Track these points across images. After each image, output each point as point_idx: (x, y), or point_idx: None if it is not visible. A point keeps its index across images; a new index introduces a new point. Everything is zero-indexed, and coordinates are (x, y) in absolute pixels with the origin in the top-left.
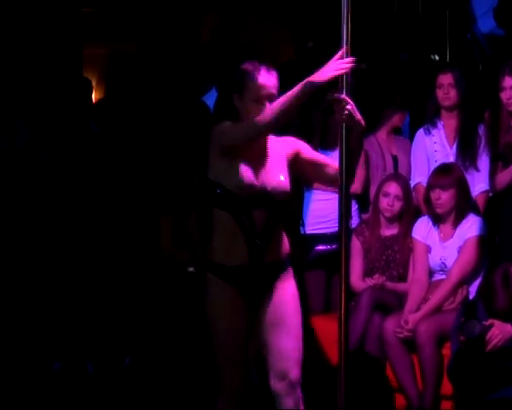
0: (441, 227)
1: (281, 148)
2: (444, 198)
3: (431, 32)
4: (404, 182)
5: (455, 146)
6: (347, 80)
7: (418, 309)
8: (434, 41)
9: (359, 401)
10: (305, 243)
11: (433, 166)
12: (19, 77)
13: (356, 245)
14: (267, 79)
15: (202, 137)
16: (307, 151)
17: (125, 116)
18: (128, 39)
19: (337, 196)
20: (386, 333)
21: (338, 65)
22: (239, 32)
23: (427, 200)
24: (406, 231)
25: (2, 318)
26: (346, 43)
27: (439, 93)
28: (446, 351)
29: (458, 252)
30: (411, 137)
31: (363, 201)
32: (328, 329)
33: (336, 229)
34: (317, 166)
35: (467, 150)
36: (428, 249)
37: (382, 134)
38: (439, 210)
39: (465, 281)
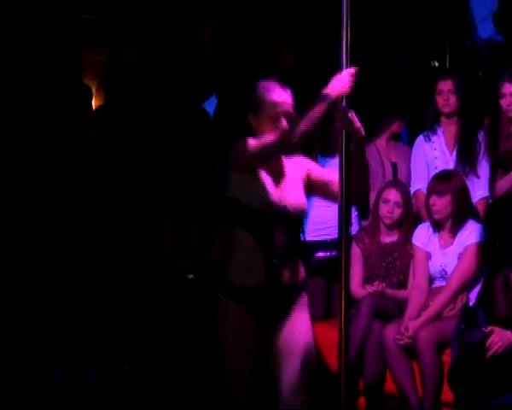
0: (441, 234)
1: (295, 168)
2: (439, 204)
3: (431, 38)
4: (403, 189)
5: (455, 152)
6: None
7: (418, 316)
8: (434, 47)
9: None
10: (304, 250)
11: (433, 172)
12: (18, 83)
13: (356, 252)
14: (282, 96)
15: (202, 143)
16: (316, 170)
17: (125, 123)
18: (128, 46)
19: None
20: (386, 340)
21: (345, 81)
22: (239, 39)
23: (428, 206)
24: (406, 238)
25: (2, 324)
26: (346, 51)
27: (439, 99)
28: (446, 358)
29: (458, 259)
30: (409, 143)
31: (363, 207)
32: (328, 336)
33: (336, 236)
34: (325, 185)
35: (467, 157)
36: (428, 256)
37: (382, 141)
38: (435, 216)
39: (465, 288)
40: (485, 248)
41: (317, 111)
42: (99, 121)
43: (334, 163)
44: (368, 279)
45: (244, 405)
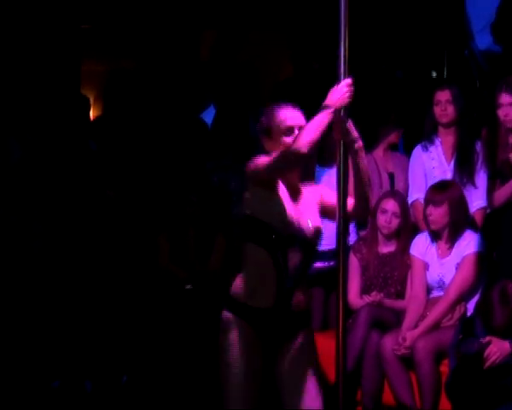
0: (439, 244)
1: (311, 193)
2: (435, 214)
3: (429, 48)
4: (401, 199)
5: (452, 162)
6: None
7: (416, 326)
8: (432, 57)
9: None
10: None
11: (431, 182)
12: (16, 93)
13: (354, 262)
14: (292, 112)
15: (200, 153)
16: (327, 195)
17: (124, 133)
18: (126, 56)
19: None
20: (384, 350)
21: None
22: (238, 50)
23: (425, 216)
24: (404, 248)
25: (1, 336)
26: (344, 62)
27: (437, 110)
28: (444, 368)
29: (456, 269)
30: (406, 153)
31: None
32: (325, 346)
33: (334, 246)
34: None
35: (464, 167)
36: (426, 266)
37: (379, 152)
38: (432, 226)
39: (463, 298)
40: (482, 259)
41: (322, 120)
42: (97, 131)
43: (332, 173)
44: (366, 289)
45: None
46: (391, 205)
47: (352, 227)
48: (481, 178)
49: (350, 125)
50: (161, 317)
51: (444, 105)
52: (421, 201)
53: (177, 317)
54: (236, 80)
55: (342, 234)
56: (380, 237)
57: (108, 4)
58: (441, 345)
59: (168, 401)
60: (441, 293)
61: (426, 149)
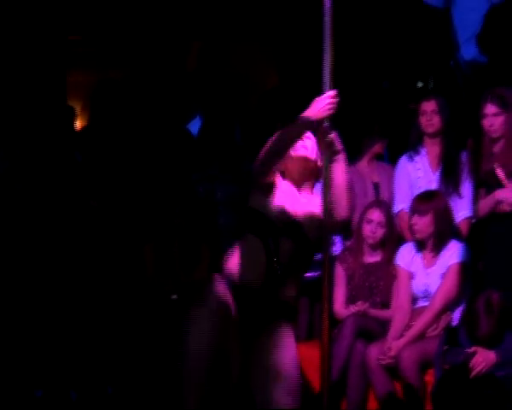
0: (424, 254)
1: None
2: (420, 224)
3: (414, 59)
4: (386, 209)
5: (438, 173)
6: None
7: (401, 336)
8: (418, 68)
9: None
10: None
11: (416, 192)
12: (1, 103)
13: (339, 272)
14: None
15: (186, 164)
16: None
17: (110, 144)
18: (113, 67)
19: None
20: (369, 360)
21: (327, 103)
22: (224, 60)
23: (410, 226)
24: (389, 258)
25: None
26: (329, 72)
27: (423, 120)
28: (429, 378)
29: (441, 279)
30: (390, 163)
31: (346, 228)
32: (311, 356)
33: (319, 256)
34: None
35: (450, 177)
36: (412, 276)
37: (364, 162)
38: (417, 235)
39: (448, 308)
40: (467, 268)
41: (292, 133)
42: (83, 142)
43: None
44: (351, 299)
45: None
46: (376, 215)
47: (337, 237)
48: (467, 188)
49: (335, 136)
50: (147, 327)
51: (429, 115)
52: (407, 211)
53: (163, 327)
54: (223, 91)
55: (327, 244)
56: (365, 246)
57: (95, 15)
58: (426, 355)
59: None
60: (426, 303)
61: (411, 159)
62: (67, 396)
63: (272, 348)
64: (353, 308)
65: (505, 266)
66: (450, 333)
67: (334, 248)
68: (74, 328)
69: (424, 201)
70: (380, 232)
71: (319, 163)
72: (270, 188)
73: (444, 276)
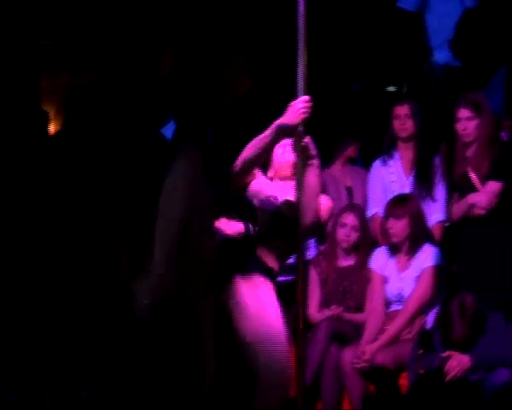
0: (398, 258)
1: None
2: (397, 227)
3: (387, 63)
4: (360, 213)
5: (411, 177)
6: None
7: (375, 340)
8: (391, 72)
9: None
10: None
11: (390, 196)
12: None
13: (313, 276)
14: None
15: (160, 168)
16: None
17: (84, 148)
18: (87, 71)
19: None
20: (343, 364)
21: (301, 108)
22: (197, 65)
23: (384, 230)
24: (363, 262)
25: None
26: (302, 77)
27: (396, 124)
28: (403, 381)
29: (415, 282)
30: (363, 166)
31: (320, 232)
32: None
33: (293, 260)
34: None
35: (423, 181)
36: (385, 280)
37: (337, 166)
38: (393, 239)
39: (422, 311)
40: (441, 272)
41: (268, 140)
42: (57, 146)
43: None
44: (325, 303)
45: None
46: (350, 219)
47: (311, 241)
48: (440, 192)
49: (309, 141)
50: (121, 331)
51: (403, 119)
52: (380, 215)
53: (137, 331)
54: (196, 95)
55: (300, 248)
56: (339, 250)
57: (68, 20)
58: (400, 358)
59: None
60: (400, 307)
61: (385, 163)
62: (42, 401)
63: (253, 287)
64: (327, 312)
65: (478, 269)
66: (424, 337)
67: (308, 253)
68: (47, 332)
69: (399, 205)
70: (354, 236)
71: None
72: (245, 187)
73: (418, 279)
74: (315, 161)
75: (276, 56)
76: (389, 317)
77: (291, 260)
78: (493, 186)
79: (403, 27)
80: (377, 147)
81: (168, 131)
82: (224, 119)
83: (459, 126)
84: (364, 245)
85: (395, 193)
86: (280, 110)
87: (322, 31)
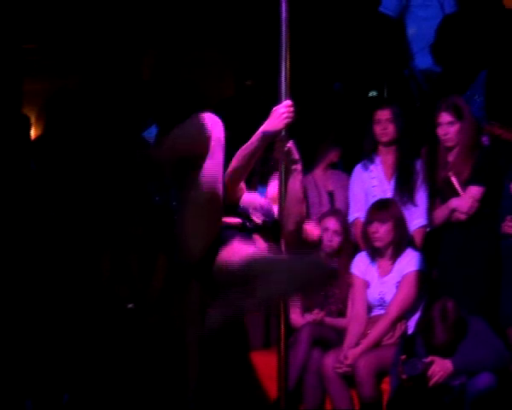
0: (379, 262)
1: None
2: (382, 231)
3: (368, 67)
4: (342, 217)
5: (393, 181)
6: None
7: (357, 344)
8: (372, 77)
9: None
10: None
11: (371, 201)
12: None
13: None
14: None
15: (142, 172)
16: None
17: (65, 152)
18: (68, 76)
19: None
20: (325, 368)
21: (284, 113)
22: (179, 69)
23: (365, 235)
24: (345, 267)
25: None
26: (285, 82)
27: (377, 128)
28: (386, 386)
29: (397, 287)
30: (344, 171)
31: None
32: (267, 364)
33: None
34: None
35: (404, 186)
36: (367, 285)
37: (319, 171)
38: (377, 243)
39: (404, 316)
40: (423, 276)
41: (254, 148)
42: (38, 151)
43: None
44: (307, 308)
45: None
46: (332, 223)
47: None
48: (421, 197)
49: (291, 145)
50: (103, 335)
51: (384, 124)
52: (362, 219)
53: (119, 336)
54: (178, 99)
55: (283, 253)
56: (321, 255)
57: (50, 24)
58: (382, 363)
59: None
60: (382, 311)
61: (366, 167)
62: (23, 406)
63: None
64: (309, 317)
65: (459, 274)
66: (406, 342)
67: None
68: (29, 336)
69: (383, 209)
70: (336, 241)
71: None
72: (237, 202)
73: (399, 284)
74: (298, 166)
75: (259, 61)
76: (371, 321)
77: None
78: (474, 191)
79: (384, 32)
80: (358, 151)
81: (150, 134)
82: None
83: (440, 131)
84: (346, 250)
85: (376, 198)
86: (263, 115)
87: (303, 36)
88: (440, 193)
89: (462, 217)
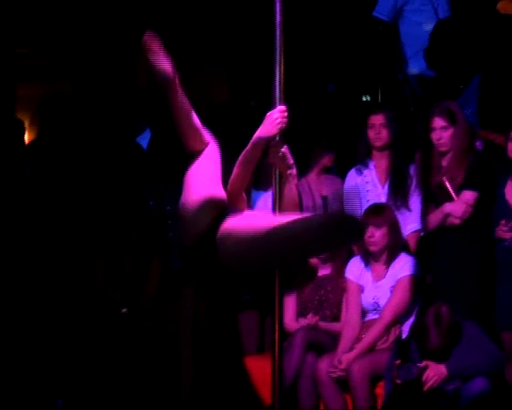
0: (374, 267)
1: None
2: (377, 236)
3: (362, 72)
4: None
5: (386, 186)
6: None
7: (351, 349)
8: (366, 81)
9: None
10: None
11: (365, 205)
12: None
13: None
14: None
15: (136, 178)
16: None
17: (59, 157)
18: (62, 80)
19: None
20: (319, 373)
21: (277, 118)
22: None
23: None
24: (339, 271)
25: None
26: (279, 86)
27: (371, 133)
28: (380, 390)
29: (391, 292)
30: (338, 176)
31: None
32: (261, 369)
33: None
34: None
35: (398, 190)
36: (361, 289)
37: (313, 175)
38: (372, 248)
39: (398, 320)
40: (417, 281)
41: (247, 156)
42: (32, 156)
43: (268, 196)
44: (301, 312)
45: None
46: None
47: None
48: (415, 202)
49: (286, 150)
50: (97, 340)
51: (378, 129)
52: None
53: (113, 340)
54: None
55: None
56: (315, 259)
57: (44, 28)
58: (376, 368)
59: None
60: (376, 316)
61: (360, 172)
62: None
63: None
64: (303, 321)
65: (453, 278)
66: (400, 346)
67: None
68: (23, 341)
69: (378, 213)
70: None
71: None
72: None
73: (393, 289)
74: (293, 171)
75: (253, 66)
76: (365, 326)
77: None
78: (468, 196)
79: (378, 37)
80: (352, 156)
81: (144, 140)
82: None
83: (434, 136)
84: (340, 254)
85: (370, 202)
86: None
87: (297, 41)
88: (434, 198)
89: (456, 222)
